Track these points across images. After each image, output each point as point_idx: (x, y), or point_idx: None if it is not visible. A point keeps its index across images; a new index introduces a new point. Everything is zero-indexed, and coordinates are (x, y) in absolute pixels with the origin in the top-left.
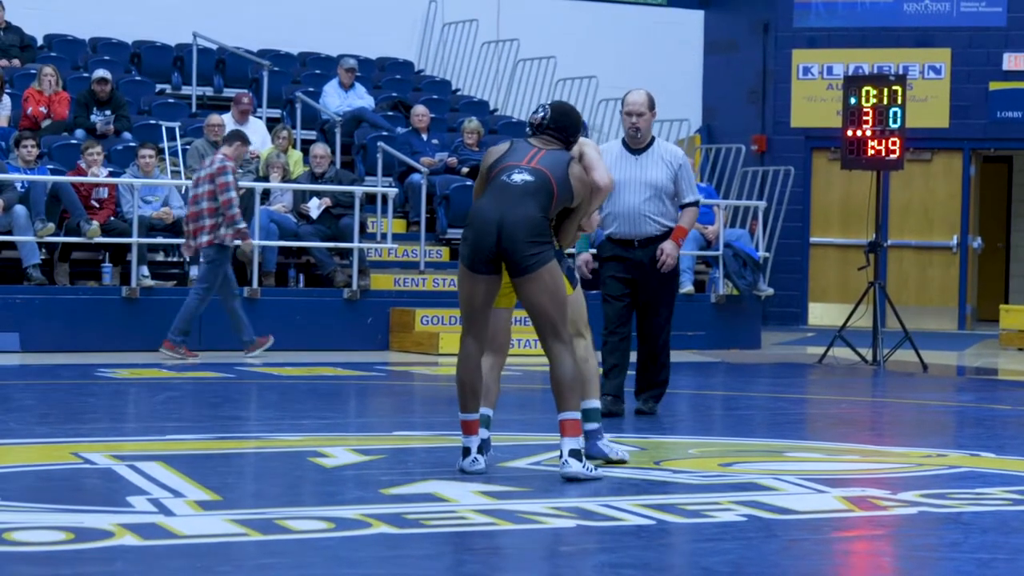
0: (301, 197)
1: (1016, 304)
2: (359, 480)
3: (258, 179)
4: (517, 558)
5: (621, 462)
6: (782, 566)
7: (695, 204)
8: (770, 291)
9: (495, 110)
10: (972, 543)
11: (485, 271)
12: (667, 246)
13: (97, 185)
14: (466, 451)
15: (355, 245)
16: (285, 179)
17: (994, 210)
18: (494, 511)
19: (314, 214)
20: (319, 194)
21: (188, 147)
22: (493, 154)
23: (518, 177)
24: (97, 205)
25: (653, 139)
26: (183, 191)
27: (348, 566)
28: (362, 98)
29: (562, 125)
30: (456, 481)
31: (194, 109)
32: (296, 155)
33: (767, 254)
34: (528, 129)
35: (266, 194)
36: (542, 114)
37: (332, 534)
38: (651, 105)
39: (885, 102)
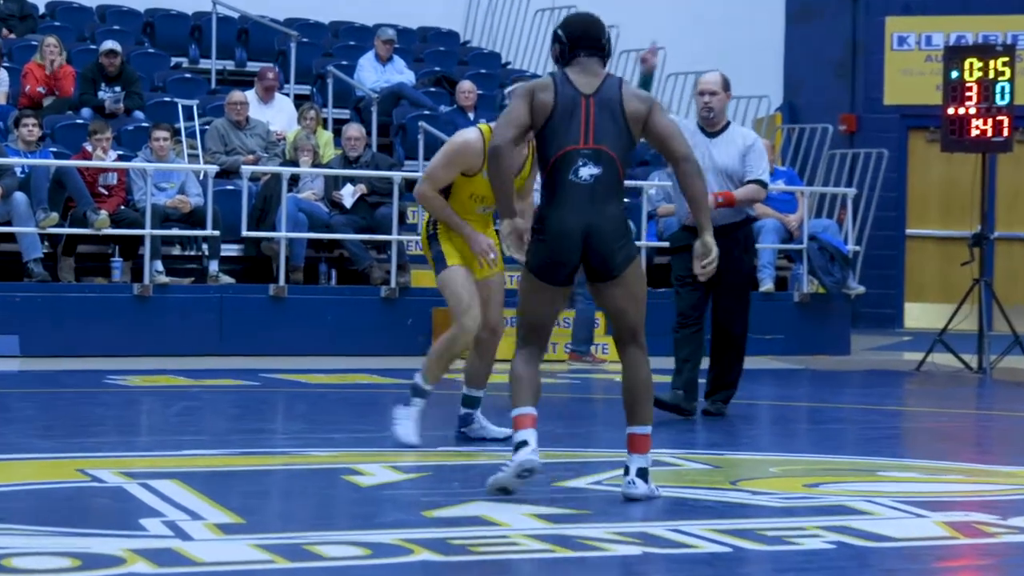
0: (333, 184)
1: None
2: (398, 501)
3: (285, 163)
4: None
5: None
6: None
7: (760, 184)
8: (861, 289)
9: None
10: None
11: (564, 282)
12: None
13: (105, 170)
14: (520, 445)
15: (394, 238)
16: (315, 164)
17: None
18: (550, 536)
19: (348, 203)
20: (353, 180)
21: (207, 128)
22: (539, 111)
23: (585, 172)
24: (105, 192)
25: (728, 123)
26: (201, 176)
27: None
28: (401, 73)
29: (592, 37)
30: (507, 503)
31: (213, 85)
32: (326, 136)
33: (857, 248)
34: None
35: (294, 180)
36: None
37: (368, 561)
38: (726, 85)
39: (991, 76)
